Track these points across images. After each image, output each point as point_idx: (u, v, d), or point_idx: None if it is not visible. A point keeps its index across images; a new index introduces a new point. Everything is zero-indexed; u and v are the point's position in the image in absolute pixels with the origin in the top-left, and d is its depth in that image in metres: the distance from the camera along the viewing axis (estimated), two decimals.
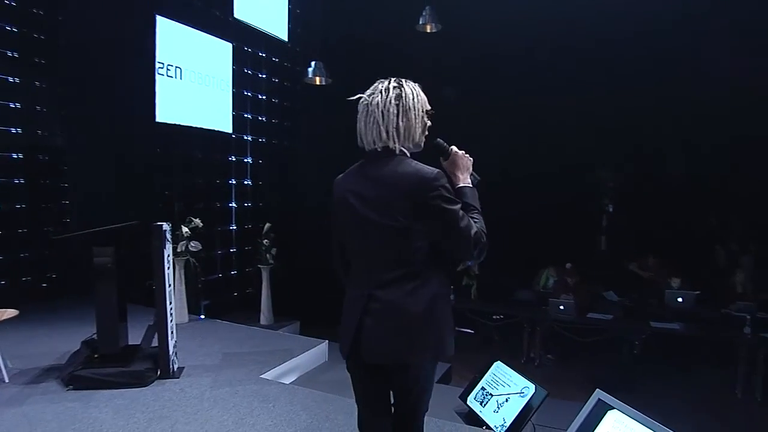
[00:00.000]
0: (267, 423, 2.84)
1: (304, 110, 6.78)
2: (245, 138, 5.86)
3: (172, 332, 3.45)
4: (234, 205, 5.75)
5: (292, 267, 5.84)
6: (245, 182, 5.90)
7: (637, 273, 7.19)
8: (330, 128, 7.14)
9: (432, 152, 1.82)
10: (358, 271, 1.72)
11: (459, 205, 1.60)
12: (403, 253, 1.61)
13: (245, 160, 5.89)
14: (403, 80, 1.70)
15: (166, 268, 3.37)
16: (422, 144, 1.75)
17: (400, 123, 1.64)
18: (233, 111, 5.52)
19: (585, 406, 2.69)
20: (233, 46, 5.52)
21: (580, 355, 5.75)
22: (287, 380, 3.79)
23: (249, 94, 5.90)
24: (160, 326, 3.38)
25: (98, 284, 3.30)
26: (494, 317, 6.47)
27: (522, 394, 3.11)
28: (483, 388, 3.38)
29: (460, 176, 1.76)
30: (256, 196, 6.00)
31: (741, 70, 7.19)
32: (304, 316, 5.60)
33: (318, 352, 4.30)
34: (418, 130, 1.69)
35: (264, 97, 6.14)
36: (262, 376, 3.55)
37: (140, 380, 3.28)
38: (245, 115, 5.84)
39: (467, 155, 1.81)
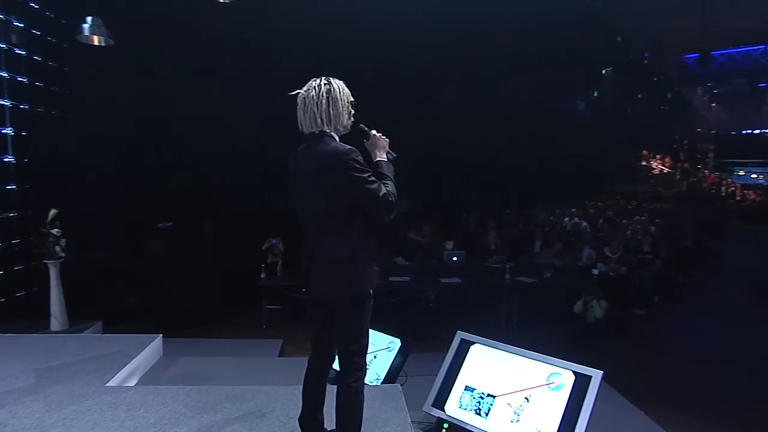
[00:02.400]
0: (152, 430, 2.55)
1: (76, 73, 5.65)
2: (2, 103, 4.60)
3: None
4: None
5: (81, 260, 4.96)
6: (5, 159, 4.66)
7: (415, 239, 8.45)
8: (111, 96, 6.18)
9: (358, 135, 2.28)
10: (307, 229, 2.18)
11: (368, 174, 2.03)
12: (331, 213, 2.07)
13: (4, 131, 4.62)
14: (331, 78, 2.13)
15: None
16: (349, 127, 2.20)
17: (331, 111, 2.08)
18: None
19: (450, 347, 3.27)
20: None
21: (385, 315, 6.48)
22: (132, 384, 3.36)
23: (3, 45, 4.63)
24: None
25: None
26: (303, 290, 6.75)
27: (389, 349, 3.53)
28: None
29: (378, 153, 2.24)
30: (23, 176, 4.81)
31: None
32: (105, 315, 4.85)
33: (153, 348, 3.88)
34: (345, 116, 2.14)
35: (24, 53, 4.90)
36: (108, 384, 3.07)
37: None
38: (0, 74, 4.58)
39: (383, 137, 2.27)
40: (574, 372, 2.67)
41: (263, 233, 6.96)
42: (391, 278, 6.67)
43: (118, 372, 3.23)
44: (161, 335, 4.05)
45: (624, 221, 10.38)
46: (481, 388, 2.90)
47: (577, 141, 15.87)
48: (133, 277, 6.03)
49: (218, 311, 6.59)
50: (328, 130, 2.09)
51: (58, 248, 4.38)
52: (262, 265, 6.60)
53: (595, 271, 6.69)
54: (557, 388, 2.67)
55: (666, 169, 26.91)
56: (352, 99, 2.17)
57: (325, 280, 2.09)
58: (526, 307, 6.38)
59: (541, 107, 13.62)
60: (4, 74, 4.69)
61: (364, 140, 2.29)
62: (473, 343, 3.14)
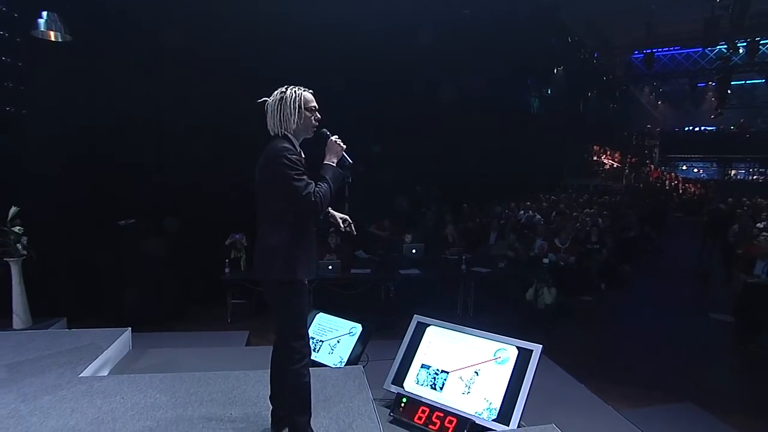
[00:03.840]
0: (129, 414, 2.72)
1: (31, 69, 5.59)
2: None
3: None
4: None
5: (43, 258, 4.96)
6: None
7: (376, 233, 8.73)
8: (68, 93, 6.11)
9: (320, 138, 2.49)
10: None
11: (297, 172, 2.23)
12: (269, 204, 2.32)
13: None
14: (291, 87, 2.36)
15: None
16: (309, 131, 2.41)
17: (282, 116, 2.33)
18: None
19: (408, 330, 3.54)
20: None
21: (348, 306, 6.71)
22: (104, 374, 3.48)
23: None
24: None
25: None
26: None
27: (351, 334, 3.78)
28: (312, 338, 3.89)
29: (328, 156, 2.43)
30: None
31: None
32: (69, 313, 4.88)
33: (123, 341, 3.99)
34: (293, 120, 2.33)
35: None
36: (81, 375, 3.19)
37: None
38: None
39: (340, 143, 2.46)
40: (518, 347, 2.99)
41: (226, 229, 7.07)
42: (352, 271, 6.93)
43: (90, 363, 3.35)
44: (130, 328, 4.16)
45: (574, 214, 10.98)
46: (436, 365, 3.19)
47: (532, 137, 16.52)
48: (96, 274, 6.03)
49: (182, 307, 6.68)
50: (280, 132, 2.33)
51: (19, 246, 4.40)
52: (226, 260, 6.72)
53: (546, 261, 7.14)
54: (503, 362, 2.99)
55: (615, 164, 28.23)
56: (310, 105, 2.37)
57: (258, 263, 2.35)
58: (481, 295, 6.77)
59: (497, 105, 14.13)
60: None
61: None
62: (429, 325, 3.43)
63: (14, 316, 4.38)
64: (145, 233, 6.77)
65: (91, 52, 5.91)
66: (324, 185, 2.30)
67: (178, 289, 6.73)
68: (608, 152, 27.60)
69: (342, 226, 2.67)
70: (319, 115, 2.41)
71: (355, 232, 2.68)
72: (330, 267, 6.71)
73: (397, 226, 8.60)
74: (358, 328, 3.79)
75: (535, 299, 6.45)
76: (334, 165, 2.41)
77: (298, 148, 2.36)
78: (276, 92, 2.36)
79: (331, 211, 2.63)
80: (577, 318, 6.86)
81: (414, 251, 7.47)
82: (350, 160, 2.49)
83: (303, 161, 2.32)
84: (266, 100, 2.38)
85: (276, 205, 2.28)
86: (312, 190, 2.22)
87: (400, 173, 10.75)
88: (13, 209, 4.42)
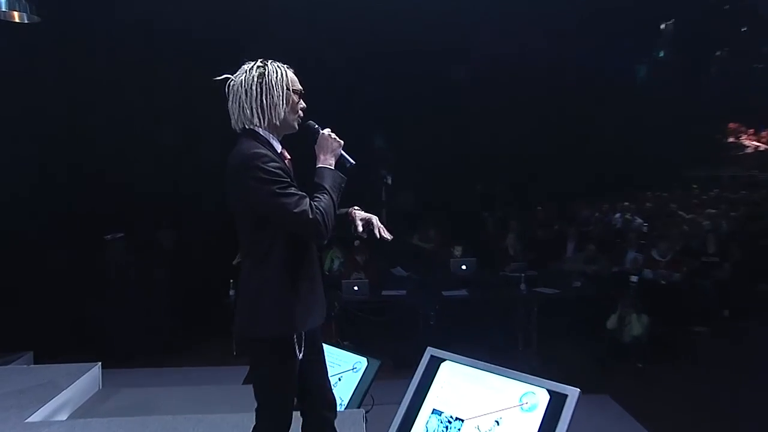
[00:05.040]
0: None
1: None
2: None
3: None
4: None
5: (5, 278, 5.40)
6: None
7: (420, 246, 8.79)
8: (36, 80, 6.55)
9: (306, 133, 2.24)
10: None
11: (280, 185, 1.94)
12: (243, 232, 2.09)
13: None
14: (269, 61, 2.09)
15: None
16: (294, 123, 2.15)
17: (263, 100, 2.02)
18: None
19: (420, 365, 3.60)
20: None
21: (378, 335, 6.78)
22: (62, 419, 3.76)
23: None
24: None
25: None
26: None
27: (355, 370, 3.87)
28: None
29: (322, 157, 2.15)
30: None
31: None
32: (37, 345, 5.30)
33: (89, 379, 4.28)
34: (282, 107, 2.05)
35: None
36: (28, 420, 3.46)
37: None
38: None
39: (336, 138, 2.19)
40: (549, 390, 2.96)
41: (233, 246, 7.34)
42: (384, 292, 7.03)
43: (42, 406, 3.61)
44: (100, 364, 4.44)
45: (689, 216, 10.52)
46: (450, 410, 3.21)
47: (637, 116, 15.89)
48: (74, 299, 6.43)
49: (180, 337, 7.01)
50: (258, 124, 2.05)
51: None
52: (231, 281, 6.99)
53: (634, 279, 6.89)
54: (530, 409, 2.97)
55: (762, 146, 26.65)
56: (297, 87, 2.13)
57: (238, 317, 2.11)
58: (549, 324, 6.63)
59: (587, 77, 13.70)
60: None
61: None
62: (443, 360, 3.47)
63: None
64: (135, 249, 7.18)
65: (61, 33, 6.31)
66: (324, 197, 2.02)
67: (175, 316, 7.07)
68: (750, 131, 26.11)
69: (360, 230, 2.26)
70: (304, 104, 2.17)
71: (388, 237, 2.27)
72: (356, 288, 6.84)
73: (445, 237, 8.62)
74: (362, 362, 3.87)
75: (620, 329, 6.28)
76: (332, 168, 2.15)
77: (280, 149, 2.12)
78: (248, 68, 2.06)
79: (354, 210, 2.31)
80: (681, 355, 6.56)
81: (464, 267, 7.46)
82: (352, 161, 2.24)
83: (289, 169, 2.07)
84: (230, 79, 2.08)
85: (257, 234, 2.04)
86: (307, 206, 1.94)
87: (454, 169, 10.73)
88: None
